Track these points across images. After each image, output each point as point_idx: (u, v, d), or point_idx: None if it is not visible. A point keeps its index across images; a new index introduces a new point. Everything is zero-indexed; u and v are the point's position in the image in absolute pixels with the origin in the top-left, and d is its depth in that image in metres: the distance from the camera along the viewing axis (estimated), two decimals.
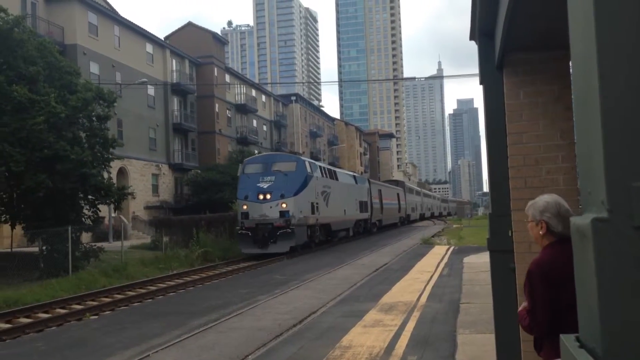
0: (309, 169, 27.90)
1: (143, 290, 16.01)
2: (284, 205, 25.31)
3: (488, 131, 5.37)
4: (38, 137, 18.14)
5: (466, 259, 20.88)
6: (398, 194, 56.32)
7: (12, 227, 20.80)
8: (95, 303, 14.01)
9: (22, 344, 10.01)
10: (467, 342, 8.36)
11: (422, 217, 76.70)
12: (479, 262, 18.14)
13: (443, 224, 67.51)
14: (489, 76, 5.30)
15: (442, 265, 19.76)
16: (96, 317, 12.50)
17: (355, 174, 43.56)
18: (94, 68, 36.58)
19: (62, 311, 12.99)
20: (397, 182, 64.06)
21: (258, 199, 25.62)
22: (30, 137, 18.12)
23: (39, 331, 11.06)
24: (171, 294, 15.72)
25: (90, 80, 27.24)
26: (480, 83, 5.45)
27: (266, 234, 24.95)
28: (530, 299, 3.01)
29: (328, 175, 31.79)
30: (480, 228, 43.77)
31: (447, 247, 28.40)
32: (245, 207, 25.70)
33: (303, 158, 29.84)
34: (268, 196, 25.51)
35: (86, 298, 14.65)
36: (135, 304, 14.15)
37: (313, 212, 27.61)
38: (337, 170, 37.05)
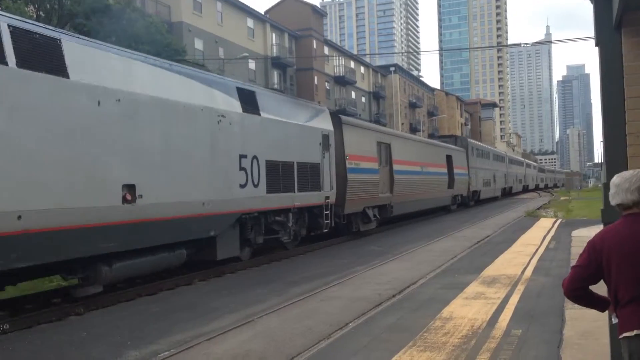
0: None
1: None
2: None
3: (604, 96, 5.03)
4: None
5: (575, 232, 19.93)
6: (449, 157, 35.05)
7: None
8: (202, 269, 14.65)
9: (138, 305, 10.70)
10: (577, 317, 8.01)
11: (508, 192, 58.37)
12: (589, 236, 17.12)
13: (549, 196, 64.81)
14: (606, 36, 4.94)
15: (548, 238, 19.01)
16: (204, 282, 13.10)
17: (252, 87, 16.47)
18: (199, 44, 37.89)
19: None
20: (455, 139, 42.56)
21: None
22: None
23: (152, 294, 11.74)
24: (274, 262, 16.18)
25: (195, 56, 28.26)
26: (596, 44, 5.09)
27: None
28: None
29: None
30: (591, 201, 41.64)
31: (553, 219, 27.22)
32: None
33: None
34: None
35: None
36: (240, 270, 14.68)
37: None
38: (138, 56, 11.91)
